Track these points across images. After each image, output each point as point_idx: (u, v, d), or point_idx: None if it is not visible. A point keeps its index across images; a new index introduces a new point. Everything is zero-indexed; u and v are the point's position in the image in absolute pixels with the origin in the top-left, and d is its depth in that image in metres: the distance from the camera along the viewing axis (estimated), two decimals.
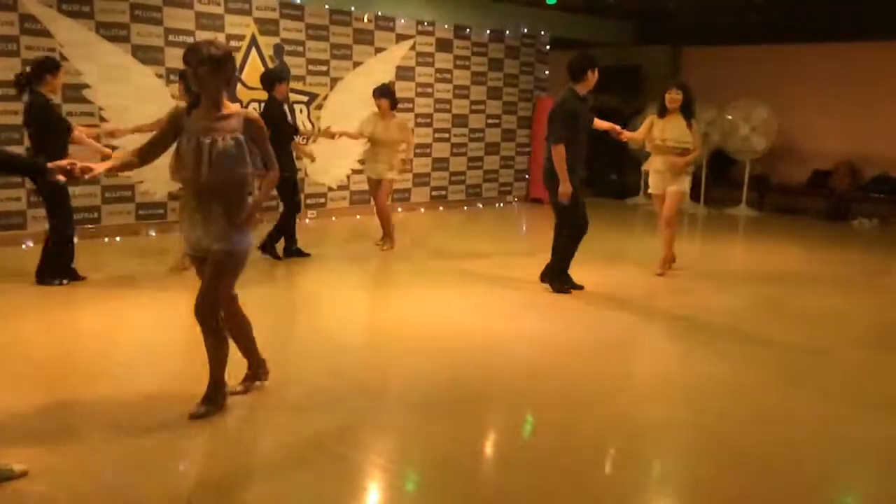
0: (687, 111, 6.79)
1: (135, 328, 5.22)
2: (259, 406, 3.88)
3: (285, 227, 7.39)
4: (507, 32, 11.75)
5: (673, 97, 6.77)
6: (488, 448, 3.63)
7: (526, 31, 11.93)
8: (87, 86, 7.90)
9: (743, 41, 12.09)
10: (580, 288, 6.44)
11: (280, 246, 7.37)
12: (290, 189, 7.25)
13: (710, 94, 11.44)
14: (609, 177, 12.99)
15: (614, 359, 4.93)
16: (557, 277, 6.41)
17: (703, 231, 10.75)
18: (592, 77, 6.12)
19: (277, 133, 6.80)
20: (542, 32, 12.13)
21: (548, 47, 12.34)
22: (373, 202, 8.37)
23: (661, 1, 11.81)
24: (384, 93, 7.86)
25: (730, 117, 11.71)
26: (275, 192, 6.97)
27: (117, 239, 8.16)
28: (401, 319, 5.59)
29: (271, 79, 7.26)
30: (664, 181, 6.93)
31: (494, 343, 5.05)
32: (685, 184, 6.99)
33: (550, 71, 12.32)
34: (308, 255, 7.44)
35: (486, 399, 4.12)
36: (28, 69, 6.07)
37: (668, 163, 6.82)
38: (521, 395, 4.17)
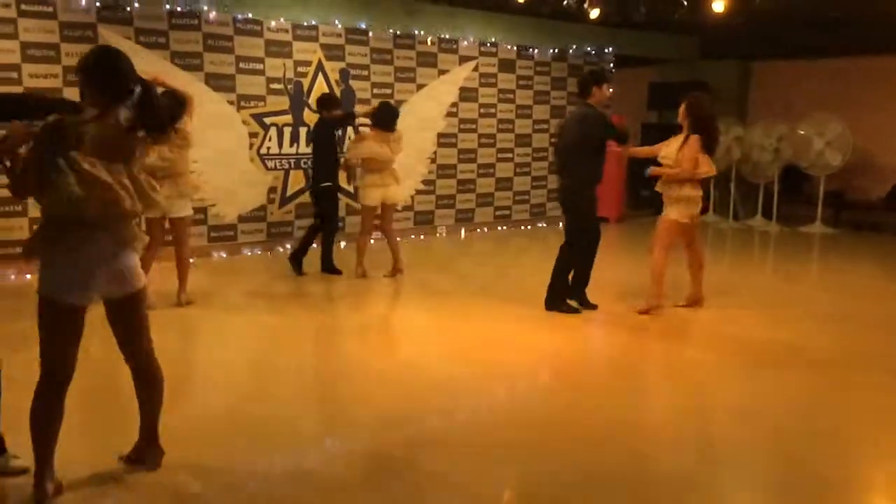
0: (694, 128, 6.04)
1: (211, 347, 5.36)
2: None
3: (328, 242, 7.67)
4: (570, 51, 11.73)
5: (678, 112, 6.20)
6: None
7: (589, 49, 11.87)
8: None
9: (815, 55, 11.77)
10: (594, 307, 6.29)
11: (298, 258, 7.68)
12: (334, 201, 7.57)
13: (782, 109, 11.16)
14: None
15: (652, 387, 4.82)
16: (578, 294, 6.33)
17: (775, 249, 10.45)
18: (598, 92, 6.11)
19: (324, 150, 7.66)
20: (606, 50, 12.05)
21: (612, 65, 12.25)
22: (367, 229, 7.64)
23: (728, 15, 11.58)
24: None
25: (802, 132, 11.38)
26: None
27: (192, 260, 8.40)
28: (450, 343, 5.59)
29: (323, 102, 7.85)
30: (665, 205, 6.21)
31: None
32: (676, 211, 6.05)
33: (615, 88, 12.20)
34: (340, 272, 7.58)
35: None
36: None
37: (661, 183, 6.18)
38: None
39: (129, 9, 7.86)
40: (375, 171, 7.37)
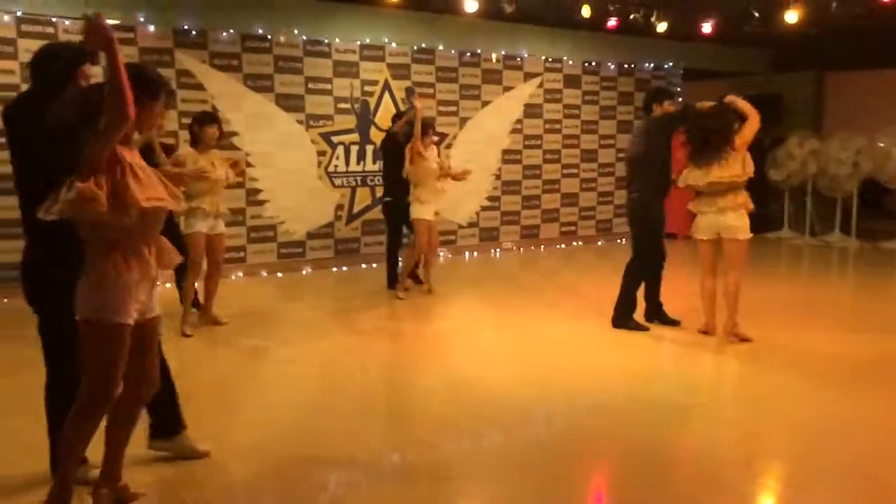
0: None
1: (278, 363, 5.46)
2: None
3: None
4: (637, 66, 11.60)
5: None
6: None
7: (657, 63, 11.72)
8: (235, 133, 8.45)
9: (894, 65, 11.32)
10: (676, 323, 6.16)
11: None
12: (395, 215, 7.63)
13: (859, 121, 10.76)
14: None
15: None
16: (654, 310, 6.22)
17: (855, 266, 10.05)
18: (660, 110, 6.06)
19: (386, 165, 7.86)
20: (674, 64, 11.87)
21: (680, 79, 12.05)
22: (416, 244, 7.51)
23: (802, 27, 11.28)
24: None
25: (882, 144, 10.94)
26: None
27: (263, 273, 8.62)
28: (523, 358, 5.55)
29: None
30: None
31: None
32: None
33: (684, 102, 12.00)
34: (407, 289, 7.56)
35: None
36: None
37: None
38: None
39: (203, 33, 8.16)
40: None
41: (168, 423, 3.52)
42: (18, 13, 7.18)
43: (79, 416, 2.85)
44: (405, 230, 7.77)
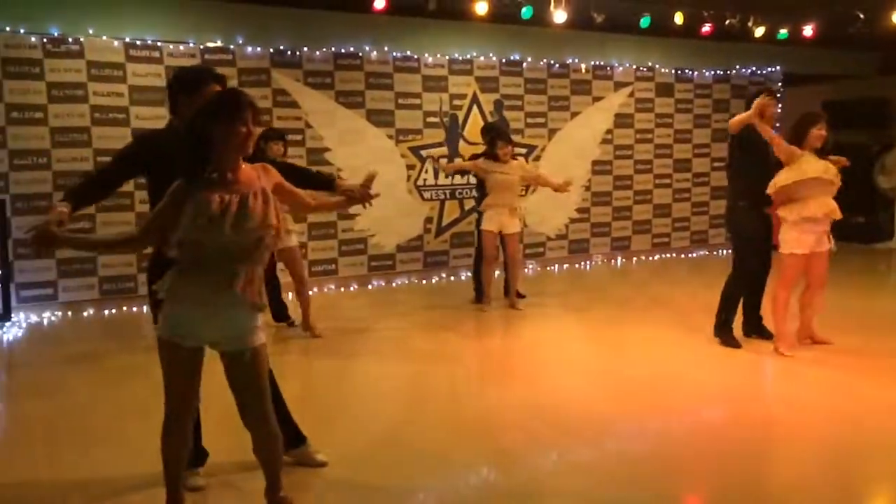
0: None
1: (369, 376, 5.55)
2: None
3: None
4: (734, 72, 11.24)
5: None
6: None
7: (755, 68, 11.33)
8: (328, 149, 8.66)
9: None
10: (769, 337, 5.86)
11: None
12: (479, 229, 7.60)
13: None
14: (855, 219, 11.80)
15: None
16: (752, 324, 6.01)
17: None
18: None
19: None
20: (773, 69, 11.44)
21: (780, 84, 11.60)
22: (496, 256, 7.51)
23: None
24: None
25: None
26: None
27: (354, 286, 8.79)
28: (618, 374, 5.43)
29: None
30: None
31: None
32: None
33: (783, 108, 11.54)
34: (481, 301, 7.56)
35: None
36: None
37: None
38: None
39: (298, 53, 8.43)
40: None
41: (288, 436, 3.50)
42: (127, 39, 7.60)
43: (162, 430, 2.94)
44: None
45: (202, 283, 2.78)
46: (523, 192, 9.07)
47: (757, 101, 5.52)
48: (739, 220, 5.89)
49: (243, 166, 2.89)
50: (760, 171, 5.68)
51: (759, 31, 9.54)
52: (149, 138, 3.62)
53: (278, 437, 3.00)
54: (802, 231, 5.46)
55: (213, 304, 2.79)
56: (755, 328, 6.07)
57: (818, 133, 5.51)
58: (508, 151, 7.32)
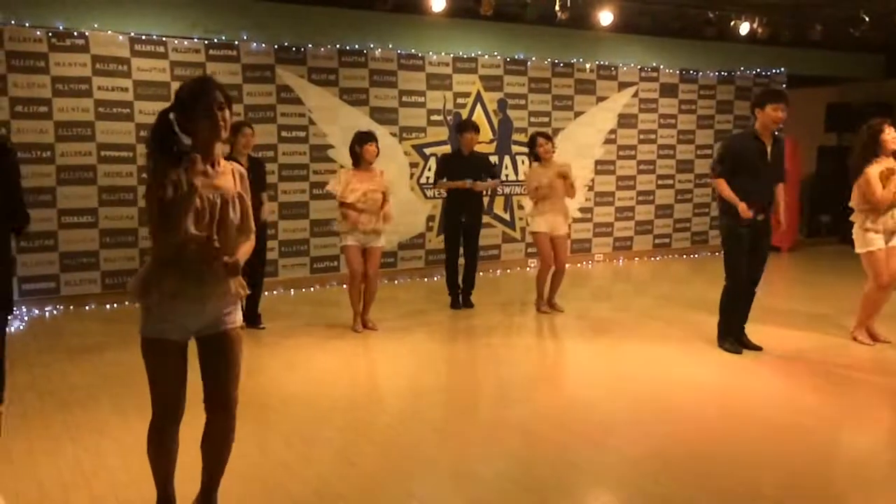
0: None
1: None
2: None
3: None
4: (738, 73, 11.23)
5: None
6: None
7: (759, 70, 11.31)
8: (331, 146, 8.67)
9: None
10: (757, 349, 5.83)
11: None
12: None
13: None
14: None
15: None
16: (722, 334, 5.93)
17: None
18: (761, 115, 5.73)
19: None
20: (777, 70, 11.43)
21: (784, 85, 11.58)
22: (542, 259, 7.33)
23: None
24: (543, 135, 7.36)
25: None
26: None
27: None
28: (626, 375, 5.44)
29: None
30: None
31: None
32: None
33: (788, 110, 11.52)
34: (471, 305, 7.55)
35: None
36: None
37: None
38: None
39: (302, 50, 8.43)
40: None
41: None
42: (132, 34, 7.61)
43: (148, 432, 2.99)
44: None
45: (185, 275, 2.78)
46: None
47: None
48: (722, 226, 5.86)
49: (222, 163, 2.91)
50: (751, 178, 5.64)
51: (764, 33, 9.54)
52: None
53: (232, 432, 3.00)
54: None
55: (198, 294, 2.82)
56: (740, 338, 5.95)
57: (890, 137, 5.78)
58: (549, 148, 7.21)
